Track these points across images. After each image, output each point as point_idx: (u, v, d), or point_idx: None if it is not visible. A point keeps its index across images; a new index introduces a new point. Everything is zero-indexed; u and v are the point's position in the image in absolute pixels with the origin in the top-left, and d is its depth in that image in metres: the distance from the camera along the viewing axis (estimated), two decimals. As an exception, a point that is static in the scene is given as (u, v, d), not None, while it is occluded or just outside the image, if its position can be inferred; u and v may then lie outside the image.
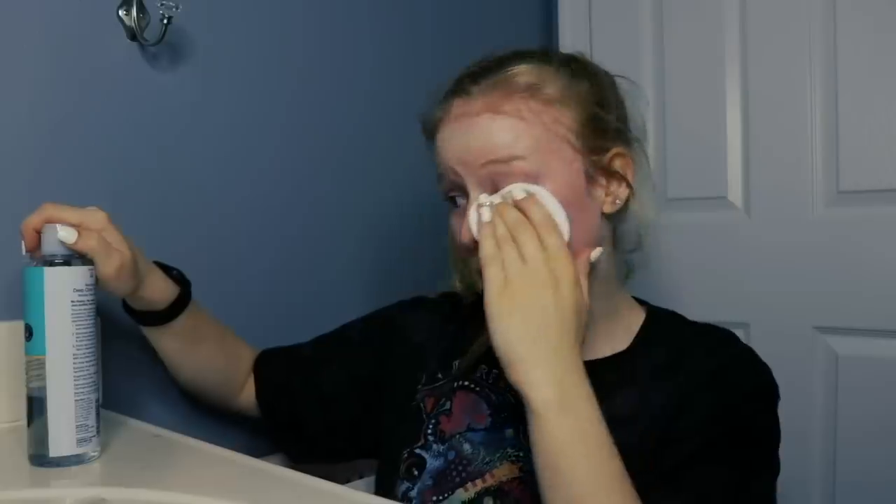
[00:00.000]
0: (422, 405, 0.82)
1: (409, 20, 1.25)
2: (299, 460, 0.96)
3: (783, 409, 0.75)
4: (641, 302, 0.85)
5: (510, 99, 0.72)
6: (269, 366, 0.93)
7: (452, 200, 0.77)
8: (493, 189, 0.72)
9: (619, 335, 0.79)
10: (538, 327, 0.63)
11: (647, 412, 0.73)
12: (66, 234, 0.67)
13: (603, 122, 0.74)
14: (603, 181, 0.75)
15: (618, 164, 0.75)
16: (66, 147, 0.87)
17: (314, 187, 1.12)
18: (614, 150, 0.74)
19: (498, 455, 0.76)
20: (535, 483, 0.70)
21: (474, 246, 0.71)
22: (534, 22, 1.48)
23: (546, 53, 0.77)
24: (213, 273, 1.00)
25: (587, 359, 0.75)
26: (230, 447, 0.72)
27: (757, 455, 0.73)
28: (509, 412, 0.77)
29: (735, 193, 1.23)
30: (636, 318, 0.81)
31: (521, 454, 0.74)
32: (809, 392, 1.14)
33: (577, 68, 0.76)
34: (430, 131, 0.78)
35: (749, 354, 0.78)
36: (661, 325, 0.81)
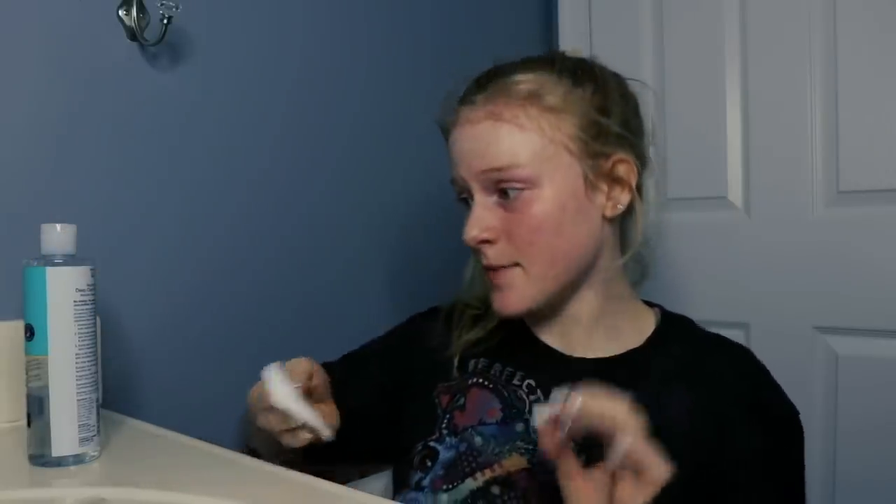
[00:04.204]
0: (437, 401, 0.84)
1: (409, 20, 1.25)
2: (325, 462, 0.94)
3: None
4: (652, 304, 0.87)
5: (509, 107, 0.75)
6: None
7: (465, 201, 0.80)
8: (496, 193, 0.76)
9: (627, 335, 0.81)
10: None
11: (657, 416, 0.73)
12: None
13: (604, 128, 0.76)
14: (604, 186, 0.77)
15: (621, 170, 0.77)
16: (66, 147, 0.87)
17: (315, 186, 1.11)
18: (617, 156, 0.77)
19: (507, 447, 0.78)
20: (542, 474, 0.73)
21: (475, 245, 0.77)
22: (534, 22, 1.48)
23: (552, 61, 0.79)
24: (213, 273, 1.00)
25: (595, 356, 0.80)
26: (230, 447, 0.72)
27: (801, 482, 0.78)
28: (520, 408, 0.79)
29: (735, 193, 1.23)
30: (647, 320, 0.84)
31: (530, 447, 0.76)
32: (809, 392, 1.13)
33: (582, 75, 0.78)
34: (445, 133, 0.82)
35: (774, 379, 0.80)
36: (675, 329, 0.83)
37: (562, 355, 0.82)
